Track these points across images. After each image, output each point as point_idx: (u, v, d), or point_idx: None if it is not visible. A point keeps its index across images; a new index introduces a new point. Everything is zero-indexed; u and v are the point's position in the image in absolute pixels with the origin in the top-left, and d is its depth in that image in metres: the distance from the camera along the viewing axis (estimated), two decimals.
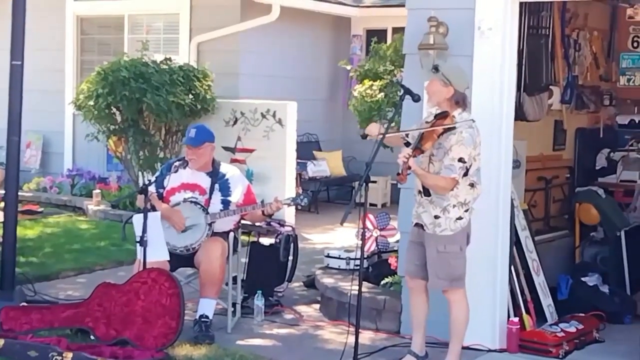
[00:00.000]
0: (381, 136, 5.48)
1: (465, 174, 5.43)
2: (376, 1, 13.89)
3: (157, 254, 6.05)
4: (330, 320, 6.85)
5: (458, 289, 5.58)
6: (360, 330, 5.49)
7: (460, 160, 5.38)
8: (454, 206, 5.47)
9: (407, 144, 5.59)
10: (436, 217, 5.49)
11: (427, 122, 5.58)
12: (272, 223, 7.71)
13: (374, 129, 5.65)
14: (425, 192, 5.53)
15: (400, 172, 5.31)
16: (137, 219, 6.06)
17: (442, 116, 5.47)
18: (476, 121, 5.55)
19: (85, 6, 13.21)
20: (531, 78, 7.30)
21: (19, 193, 7.48)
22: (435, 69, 5.55)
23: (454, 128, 5.41)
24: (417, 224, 5.65)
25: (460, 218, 5.49)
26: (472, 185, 5.50)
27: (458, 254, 5.53)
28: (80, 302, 6.20)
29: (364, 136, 5.65)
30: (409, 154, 5.31)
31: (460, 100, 5.53)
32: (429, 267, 5.56)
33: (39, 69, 12.03)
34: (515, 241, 6.60)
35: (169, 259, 6.13)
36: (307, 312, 7.09)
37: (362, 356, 5.74)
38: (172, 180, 6.47)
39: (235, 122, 10.76)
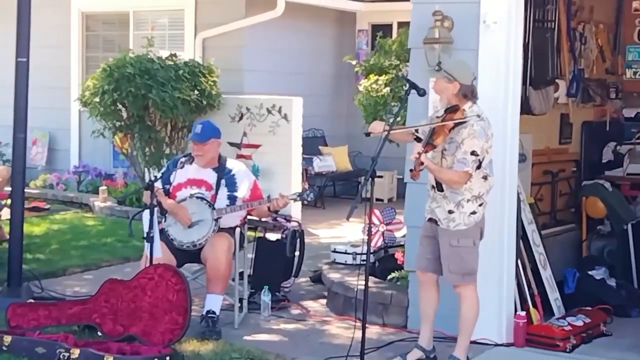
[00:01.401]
0: (386, 132, 5.48)
1: (479, 167, 5.42)
2: None
3: (156, 250, 6.04)
4: (337, 315, 6.85)
5: (469, 284, 5.57)
6: (367, 325, 5.48)
7: (473, 153, 5.36)
8: (468, 200, 5.46)
9: (418, 139, 5.57)
10: (450, 212, 5.48)
11: (437, 117, 5.56)
12: (278, 218, 7.71)
13: (377, 127, 5.63)
14: (439, 187, 5.51)
15: (413, 168, 5.30)
16: (146, 215, 6.07)
17: (452, 110, 5.44)
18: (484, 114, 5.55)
19: (90, 3, 13.22)
20: (537, 71, 7.28)
21: (26, 190, 7.50)
22: (438, 66, 5.55)
23: (464, 122, 5.40)
24: (430, 219, 5.64)
25: (474, 212, 5.48)
26: (485, 177, 5.49)
27: (471, 249, 5.52)
28: (87, 298, 6.21)
29: (367, 134, 5.63)
30: (421, 150, 5.30)
31: (469, 93, 5.51)
32: (442, 261, 5.56)
33: (45, 66, 12.03)
34: (522, 235, 6.59)
35: (160, 255, 6.11)
36: (314, 307, 7.10)
37: (369, 351, 5.73)
38: (179, 176, 6.47)
39: (240, 118, 10.79)
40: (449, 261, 5.51)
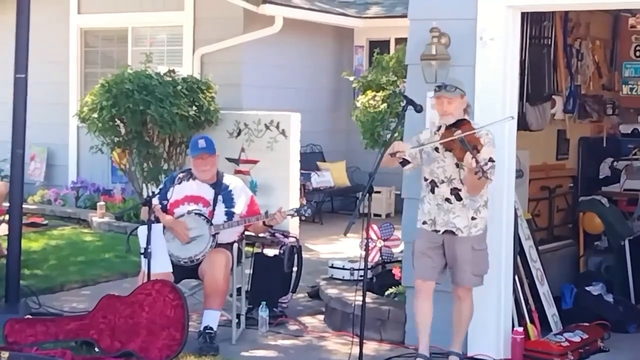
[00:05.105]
0: (415, 149, 5.54)
1: None
2: (379, 12, 13.92)
3: (160, 266, 6.06)
4: (335, 331, 6.85)
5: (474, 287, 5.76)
6: (364, 341, 5.50)
7: (491, 160, 5.50)
8: (482, 206, 5.67)
9: (404, 163, 5.59)
10: (473, 218, 5.64)
11: (436, 133, 5.61)
12: (276, 234, 7.71)
13: (402, 147, 5.61)
14: (457, 197, 5.58)
15: (481, 172, 5.28)
16: (142, 230, 6.08)
17: (463, 122, 5.52)
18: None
19: (89, 19, 13.25)
20: (534, 88, 7.31)
21: (24, 206, 7.50)
22: (447, 87, 5.55)
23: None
24: (446, 231, 5.68)
25: (485, 217, 5.71)
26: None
27: (486, 252, 5.76)
28: (84, 314, 6.22)
29: (393, 154, 5.58)
30: (474, 156, 5.33)
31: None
32: (461, 266, 5.67)
33: (43, 81, 12.04)
34: (519, 251, 6.60)
35: (171, 270, 6.14)
36: (312, 323, 7.09)
37: None
38: (176, 193, 6.48)
39: (238, 134, 10.80)
40: (473, 265, 5.66)
